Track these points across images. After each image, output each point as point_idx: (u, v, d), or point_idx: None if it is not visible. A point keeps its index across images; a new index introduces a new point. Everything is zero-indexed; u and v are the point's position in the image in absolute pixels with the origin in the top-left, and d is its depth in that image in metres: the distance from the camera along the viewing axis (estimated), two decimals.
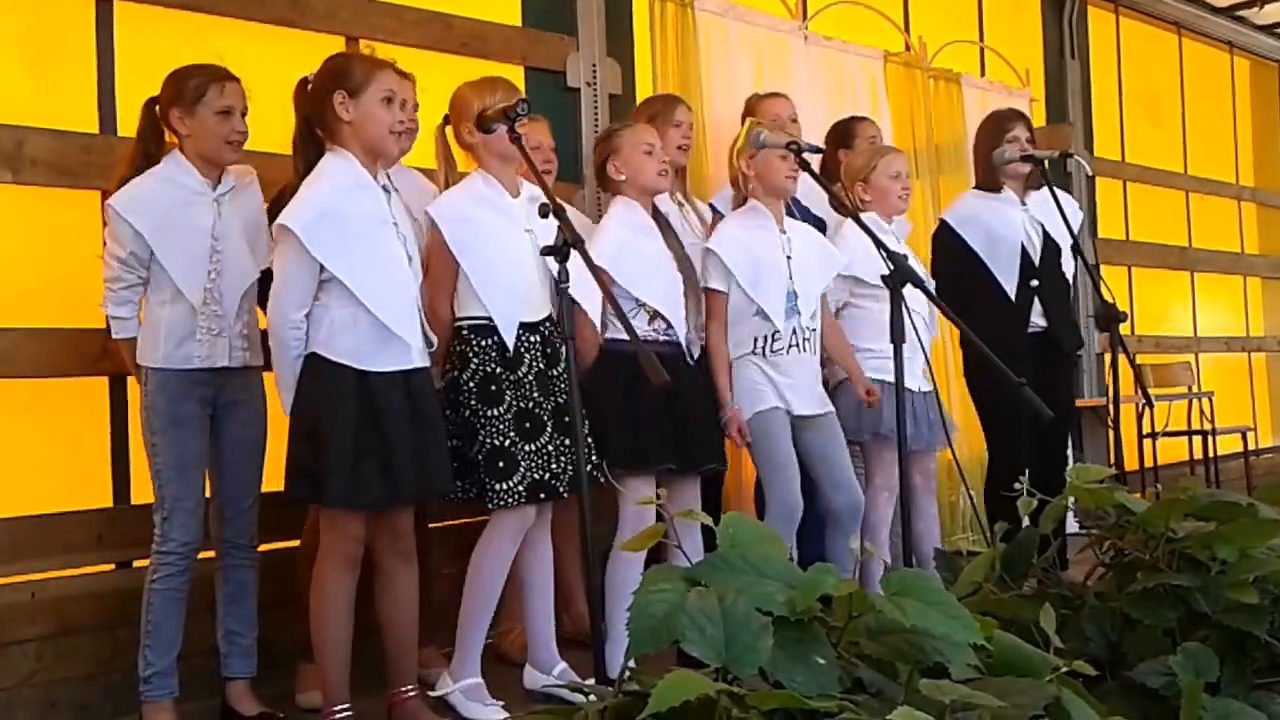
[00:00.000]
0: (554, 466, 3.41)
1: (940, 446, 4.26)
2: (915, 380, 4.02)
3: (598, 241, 3.63)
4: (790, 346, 3.93)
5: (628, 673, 1.77)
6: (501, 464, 3.32)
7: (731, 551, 1.86)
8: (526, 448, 3.37)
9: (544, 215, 2.97)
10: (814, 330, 4.00)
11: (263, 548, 3.52)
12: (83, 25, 3.71)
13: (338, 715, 3.16)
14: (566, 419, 3.42)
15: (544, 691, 3.48)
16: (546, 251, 2.96)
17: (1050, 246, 4.60)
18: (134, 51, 3.69)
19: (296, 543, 3.66)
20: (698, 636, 1.68)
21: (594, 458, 3.48)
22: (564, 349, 2.97)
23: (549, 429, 3.41)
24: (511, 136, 3.22)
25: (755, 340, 3.93)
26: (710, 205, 4.46)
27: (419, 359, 3.20)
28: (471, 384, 3.36)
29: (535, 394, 3.41)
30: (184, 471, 3.28)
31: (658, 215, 3.88)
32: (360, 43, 4.10)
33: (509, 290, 3.41)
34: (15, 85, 3.61)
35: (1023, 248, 4.55)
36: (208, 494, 3.40)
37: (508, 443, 3.34)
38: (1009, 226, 4.57)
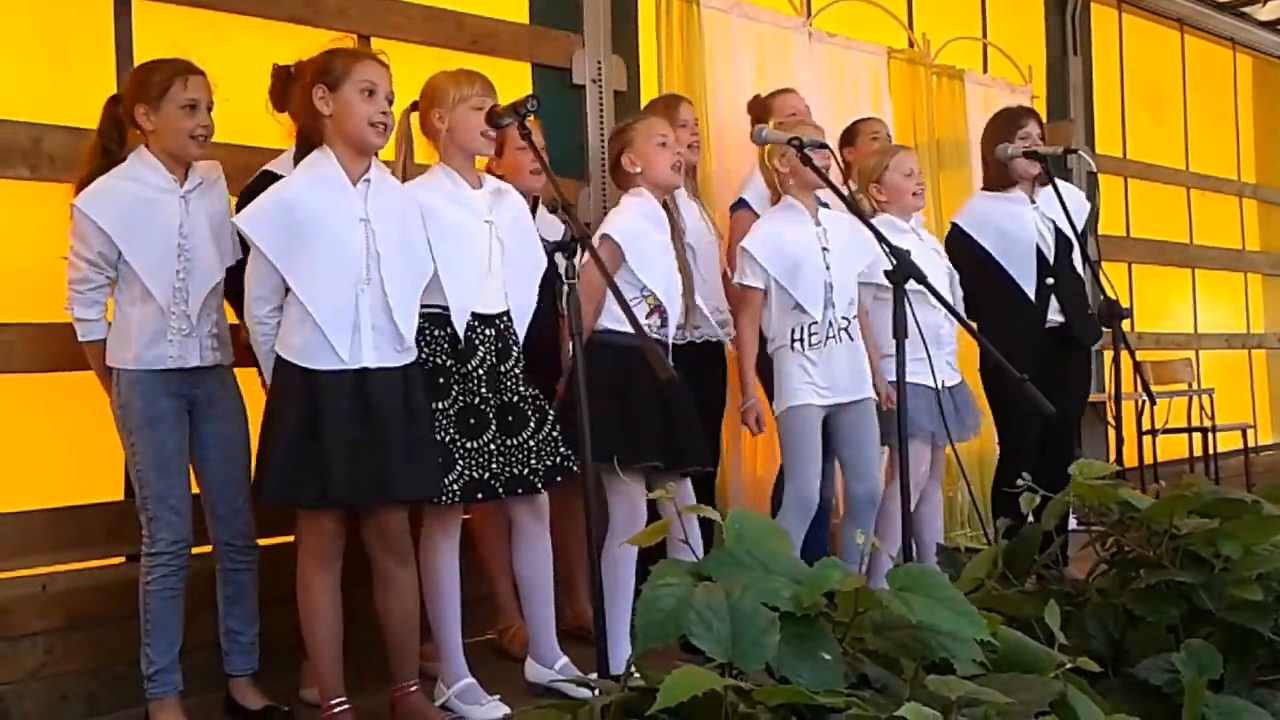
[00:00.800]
0: (494, 466, 3.35)
1: (945, 441, 4.27)
2: (946, 374, 4.08)
3: (615, 222, 3.69)
4: (828, 338, 3.95)
5: (633, 667, 1.78)
6: (440, 460, 3.26)
7: (738, 547, 1.86)
8: (467, 445, 3.31)
9: (552, 211, 2.98)
10: (851, 319, 4.01)
11: (263, 542, 3.51)
12: (101, 23, 3.72)
13: (336, 710, 3.18)
14: (510, 418, 3.38)
15: (546, 686, 3.49)
16: (555, 248, 2.97)
17: (1063, 242, 4.59)
18: (152, 49, 3.67)
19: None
20: (704, 631, 1.69)
21: (565, 449, 3.45)
22: (571, 345, 2.97)
23: (492, 427, 3.35)
24: (521, 133, 3.24)
25: (793, 332, 3.96)
26: (742, 199, 4.48)
27: (379, 358, 3.12)
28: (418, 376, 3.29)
29: (482, 389, 3.35)
30: (164, 469, 3.26)
31: (670, 215, 3.86)
32: (371, 41, 4.11)
33: (464, 282, 3.35)
34: (34, 82, 3.62)
35: (1037, 246, 4.55)
36: (198, 492, 3.40)
37: (448, 439, 3.29)
38: (1021, 226, 4.56)
